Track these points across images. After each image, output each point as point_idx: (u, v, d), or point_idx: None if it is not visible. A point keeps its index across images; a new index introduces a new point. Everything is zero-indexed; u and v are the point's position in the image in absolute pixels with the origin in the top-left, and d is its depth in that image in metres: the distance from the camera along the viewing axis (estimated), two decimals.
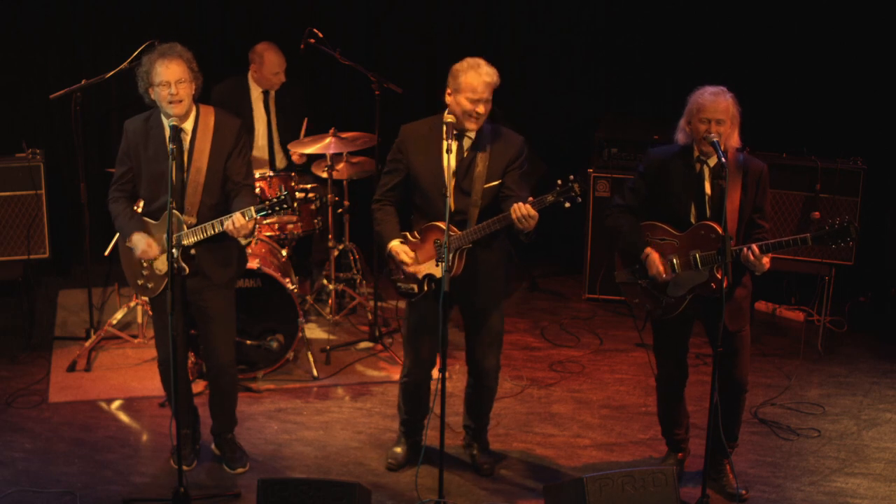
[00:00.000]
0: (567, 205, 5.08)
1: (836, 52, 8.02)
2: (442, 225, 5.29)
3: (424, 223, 5.42)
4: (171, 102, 5.24)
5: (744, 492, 5.59)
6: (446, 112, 5.29)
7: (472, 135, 5.34)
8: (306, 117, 7.49)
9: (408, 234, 5.46)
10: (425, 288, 5.41)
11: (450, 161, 5.19)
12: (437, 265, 5.33)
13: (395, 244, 5.40)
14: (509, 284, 5.69)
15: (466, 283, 5.33)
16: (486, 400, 5.79)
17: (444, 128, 5.23)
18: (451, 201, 5.25)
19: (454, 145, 5.21)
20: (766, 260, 5.18)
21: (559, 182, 5.07)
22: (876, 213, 7.80)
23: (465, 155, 5.33)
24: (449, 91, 5.27)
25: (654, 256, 5.36)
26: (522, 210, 5.06)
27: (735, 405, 5.51)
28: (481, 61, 5.26)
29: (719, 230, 5.21)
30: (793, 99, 8.13)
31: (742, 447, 5.93)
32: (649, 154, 5.46)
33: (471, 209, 5.31)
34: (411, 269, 5.38)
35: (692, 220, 5.33)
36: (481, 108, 5.22)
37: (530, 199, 5.12)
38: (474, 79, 5.21)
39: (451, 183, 5.22)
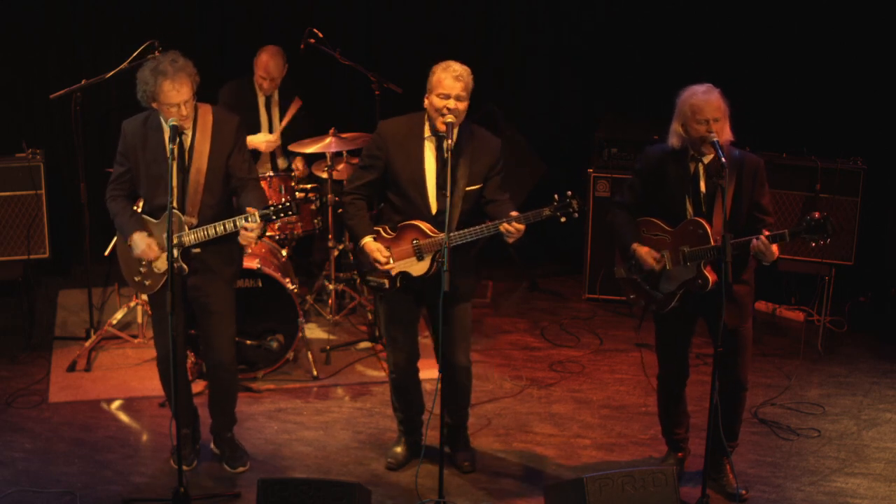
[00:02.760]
0: (563, 219, 5.12)
1: (836, 51, 8.02)
2: (421, 224, 5.34)
3: (399, 220, 5.42)
4: (178, 121, 5.24)
5: (744, 492, 5.59)
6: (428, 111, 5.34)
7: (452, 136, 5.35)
8: (298, 98, 7.45)
9: (380, 229, 5.46)
10: (397, 284, 5.43)
11: (449, 162, 5.19)
12: (426, 263, 5.35)
13: (368, 241, 5.40)
14: (476, 283, 5.71)
15: (437, 280, 5.28)
16: (460, 397, 5.75)
17: (445, 129, 5.23)
18: (432, 202, 5.32)
19: (433, 146, 5.27)
20: (774, 248, 5.17)
21: (556, 196, 5.11)
22: (876, 213, 7.79)
23: (446, 157, 5.32)
24: (426, 94, 5.32)
25: (640, 250, 5.38)
26: (511, 228, 5.16)
27: (735, 404, 5.51)
28: (452, 62, 5.30)
29: (707, 226, 5.24)
30: (793, 99, 8.13)
31: (742, 447, 5.93)
32: (646, 152, 5.47)
33: (451, 211, 5.30)
34: (386, 269, 5.39)
35: (689, 218, 5.35)
36: (451, 104, 5.22)
37: (514, 213, 5.16)
38: (443, 76, 5.25)
39: (446, 183, 5.20)
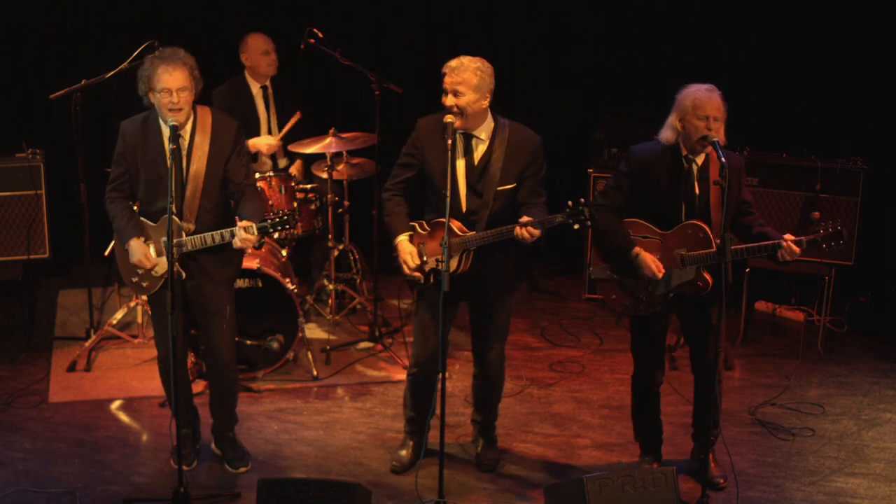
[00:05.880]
0: (576, 227, 5.06)
1: (836, 51, 8.02)
2: (451, 222, 5.31)
3: (434, 216, 5.42)
4: (171, 110, 5.21)
5: (721, 481, 5.63)
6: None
7: (483, 135, 5.33)
8: (299, 111, 7.47)
9: (416, 225, 5.45)
10: (431, 280, 5.41)
11: (453, 160, 5.19)
12: (454, 261, 5.33)
13: (402, 241, 5.40)
14: (516, 281, 5.68)
15: (473, 279, 5.34)
16: (490, 393, 5.78)
17: (447, 128, 5.24)
18: (462, 201, 5.30)
19: (459, 145, 5.25)
20: (796, 249, 5.19)
21: (570, 203, 5.04)
22: (876, 213, 7.80)
23: (479, 158, 5.32)
24: None
25: (644, 256, 5.33)
26: (526, 235, 5.10)
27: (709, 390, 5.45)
28: (454, 59, 5.27)
29: (708, 230, 5.23)
30: (793, 99, 8.13)
31: (742, 447, 5.94)
32: (632, 152, 5.40)
33: (482, 211, 5.31)
34: (413, 277, 5.38)
35: (683, 220, 5.32)
36: (450, 101, 5.21)
37: (526, 217, 5.11)
38: (444, 72, 5.25)
39: (449, 182, 5.19)
